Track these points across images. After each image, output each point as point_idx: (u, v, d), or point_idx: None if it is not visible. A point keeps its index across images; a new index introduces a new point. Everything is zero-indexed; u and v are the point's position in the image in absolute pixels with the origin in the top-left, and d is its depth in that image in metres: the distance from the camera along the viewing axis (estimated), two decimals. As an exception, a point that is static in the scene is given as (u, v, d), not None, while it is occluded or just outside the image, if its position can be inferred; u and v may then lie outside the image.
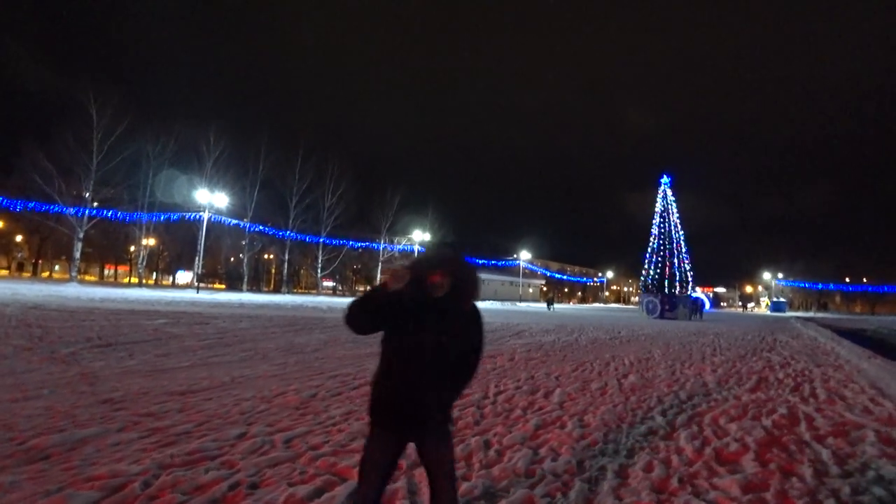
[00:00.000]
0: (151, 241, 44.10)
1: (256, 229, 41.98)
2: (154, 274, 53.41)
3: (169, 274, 54.79)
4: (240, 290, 42.24)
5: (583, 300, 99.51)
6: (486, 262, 56.89)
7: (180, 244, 45.88)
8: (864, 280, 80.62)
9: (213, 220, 36.76)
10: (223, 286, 51.41)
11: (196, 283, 36.70)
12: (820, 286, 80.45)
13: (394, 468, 2.12)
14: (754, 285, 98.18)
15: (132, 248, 47.01)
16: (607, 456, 3.70)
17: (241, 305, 19.82)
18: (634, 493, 3.05)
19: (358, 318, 2.03)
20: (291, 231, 43.81)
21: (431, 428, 2.07)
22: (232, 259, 52.83)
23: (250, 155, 41.68)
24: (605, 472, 3.37)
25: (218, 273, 56.34)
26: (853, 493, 3.27)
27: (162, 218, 38.22)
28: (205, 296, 26.84)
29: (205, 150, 38.73)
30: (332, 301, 32.46)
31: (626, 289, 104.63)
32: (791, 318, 46.53)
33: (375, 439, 2.06)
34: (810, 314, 65.38)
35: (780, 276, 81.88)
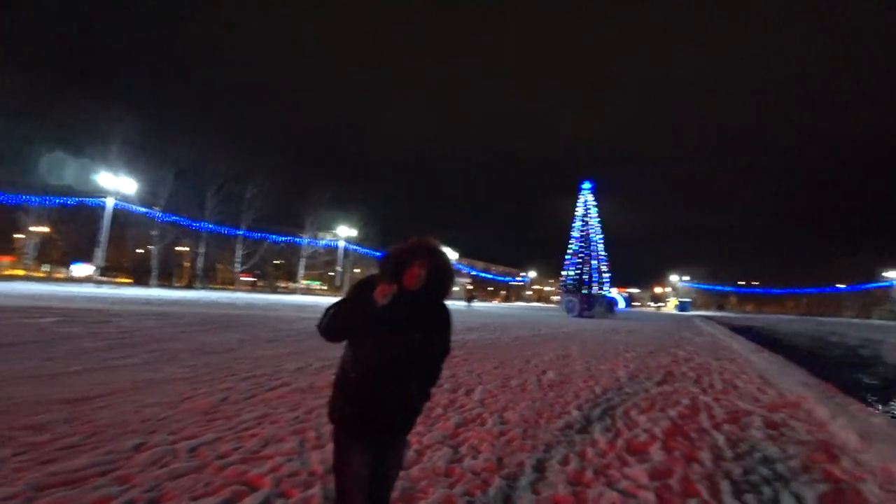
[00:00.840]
0: (44, 229, 39.57)
1: (169, 219, 38.83)
2: (45, 266, 47.98)
3: (64, 266, 49.49)
4: (148, 285, 39.03)
5: (506, 299, 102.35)
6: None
7: (78, 233, 41.36)
8: (756, 283, 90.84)
9: (117, 207, 33.55)
10: (129, 280, 47.29)
11: (97, 277, 33.36)
12: (719, 288, 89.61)
13: (374, 476, 1.94)
14: (663, 286, 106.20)
15: (17, 237, 41.89)
16: (526, 451, 3.79)
17: (149, 302, 18.31)
18: (551, 486, 3.14)
19: (338, 331, 1.90)
20: (208, 222, 41.10)
21: (404, 433, 2.01)
22: (140, 251, 48.76)
23: (165, 138, 38.79)
24: (524, 467, 3.43)
25: (123, 266, 51.73)
26: (744, 473, 3.62)
27: (56, 202, 34.31)
28: (107, 291, 24.52)
29: (109, 131, 35.33)
30: (251, 297, 30.92)
31: (546, 288, 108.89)
32: (694, 316, 50.88)
33: (354, 452, 1.89)
34: (711, 313, 71.75)
35: (686, 278, 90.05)
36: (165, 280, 46.42)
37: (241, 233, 43.59)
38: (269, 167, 44.79)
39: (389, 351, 1.86)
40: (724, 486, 3.31)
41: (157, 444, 3.37)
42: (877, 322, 47.69)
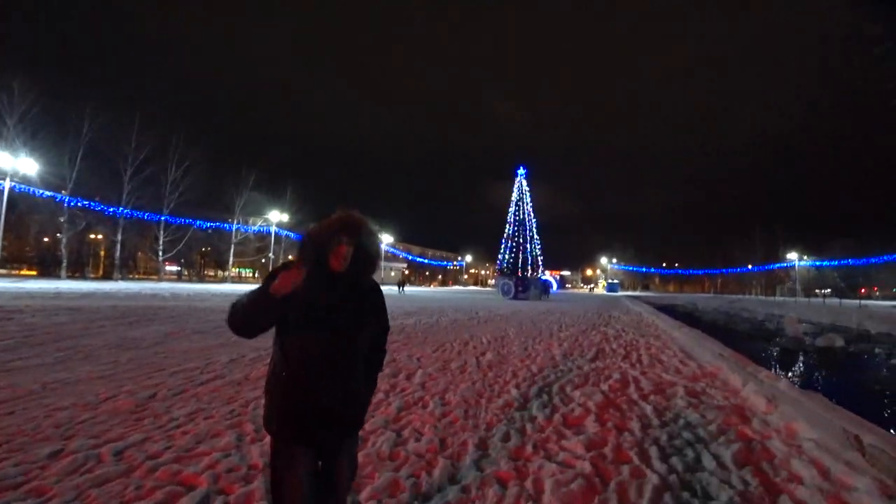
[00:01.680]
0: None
1: (79, 204, 35.28)
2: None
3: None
4: (57, 276, 35.57)
5: (443, 283, 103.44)
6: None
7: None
8: (677, 265, 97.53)
9: (17, 190, 30.15)
10: (34, 273, 42.99)
11: (-6, 270, 30.06)
12: (644, 269, 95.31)
13: (317, 488, 1.76)
14: (594, 269, 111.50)
15: None
16: (468, 431, 3.86)
17: (58, 295, 16.73)
18: (494, 462, 3.23)
19: (247, 325, 1.69)
20: (125, 208, 37.81)
21: (353, 430, 1.84)
22: (46, 239, 44.34)
23: (72, 115, 34.95)
24: (467, 447, 3.50)
25: (26, 257, 46.88)
26: (669, 438, 3.90)
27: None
28: (7, 284, 22.15)
29: (5, 104, 31.46)
30: (176, 287, 29.14)
31: (483, 272, 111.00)
32: (622, 297, 53.91)
33: (292, 459, 1.69)
34: (637, 293, 76.28)
35: (615, 261, 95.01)
36: (77, 271, 42.69)
37: (163, 218, 40.53)
38: (192, 147, 41.42)
39: (321, 342, 1.69)
40: (653, 451, 3.55)
41: (76, 450, 3.11)
42: (780, 299, 52.82)
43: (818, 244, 66.95)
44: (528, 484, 2.93)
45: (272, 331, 1.78)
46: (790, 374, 11.36)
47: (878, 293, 64.97)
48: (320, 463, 1.79)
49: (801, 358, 13.71)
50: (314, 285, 1.67)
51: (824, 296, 58.72)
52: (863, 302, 42.10)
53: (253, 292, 1.67)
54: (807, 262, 62.86)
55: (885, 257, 50.31)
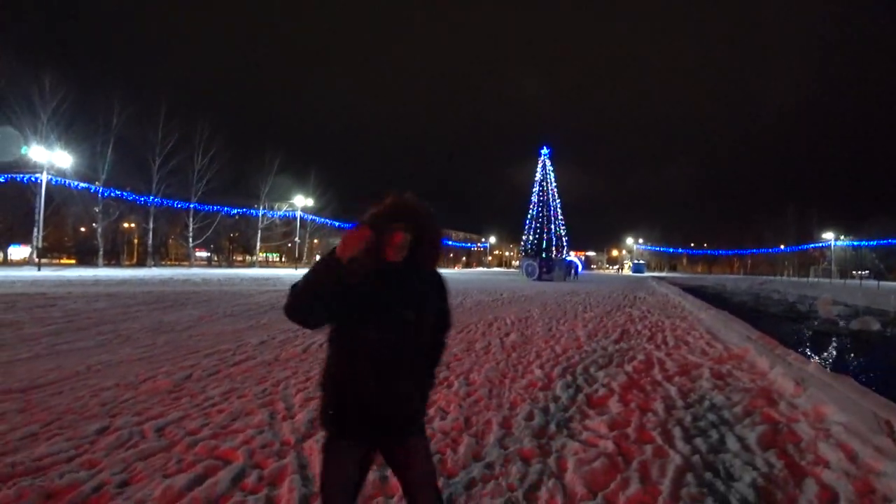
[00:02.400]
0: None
1: (112, 194, 36.44)
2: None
3: (-1, 249, 46.17)
4: (94, 265, 36.91)
5: (467, 265, 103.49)
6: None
7: (11, 213, 38.29)
8: (705, 245, 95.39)
9: (53, 183, 31.29)
10: (73, 261, 44.74)
11: (36, 259, 31.34)
12: (671, 250, 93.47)
13: (363, 483, 1.73)
14: (619, 249, 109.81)
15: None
16: (491, 410, 3.94)
17: (97, 283, 17.46)
18: (517, 441, 3.30)
19: (306, 307, 1.54)
20: (155, 196, 38.89)
21: (412, 428, 1.69)
22: (83, 230, 46.01)
23: (101, 108, 35.90)
24: (491, 425, 3.58)
25: (65, 246, 48.80)
26: (693, 420, 3.90)
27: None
28: (49, 273, 23.16)
29: (38, 100, 32.49)
30: (207, 273, 29.95)
31: (507, 253, 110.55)
32: (648, 277, 53.14)
33: (340, 453, 1.64)
34: (663, 274, 74.99)
35: (641, 241, 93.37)
36: (113, 259, 44.24)
37: (191, 205, 41.59)
38: (217, 136, 42.13)
39: (375, 337, 1.58)
40: (676, 432, 3.56)
41: (121, 427, 3.30)
42: (813, 280, 51.24)
43: (856, 223, 64.51)
44: (551, 461, 2.99)
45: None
46: (821, 357, 11.10)
47: (919, 274, 62.34)
48: (389, 461, 1.73)
49: (834, 341, 13.35)
50: (372, 275, 1.59)
51: (861, 277, 56.64)
52: (902, 283, 40.52)
53: (316, 263, 1.55)
54: (843, 242, 60.66)
55: (927, 236, 48.14)
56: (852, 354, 11.56)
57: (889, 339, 13.44)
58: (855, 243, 60.41)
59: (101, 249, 37.79)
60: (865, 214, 67.24)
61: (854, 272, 62.06)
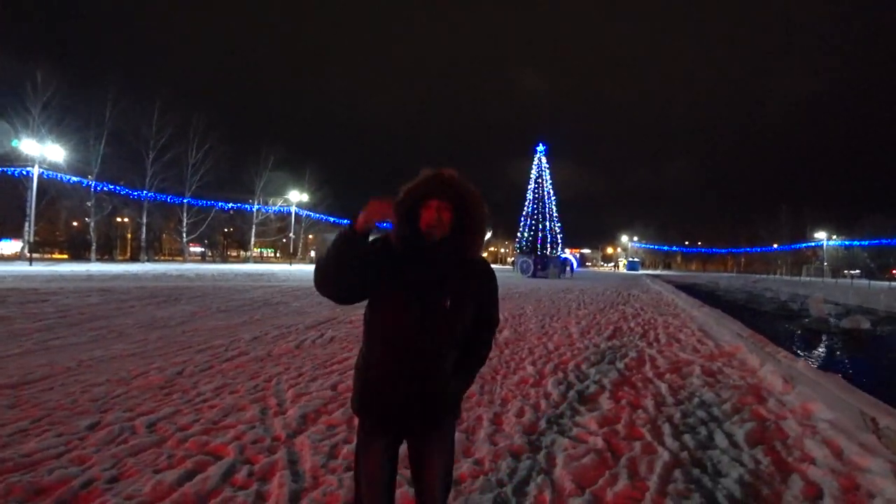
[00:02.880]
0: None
1: (105, 188, 36.15)
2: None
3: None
4: (87, 259, 36.67)
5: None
6: (370, 226, 55.63)
7: (2, 207, 37.92)
8: (699, 244, 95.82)
9: (45, 176, 31.02)
10: (65, 256, 44.41)
11: (28, 254, 31.07)
12: (666, 248, 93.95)
13: (395, 474, 1.63)
14: (614, 247, 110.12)
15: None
16: (483, 406, 3.96)
17: (90, 278, 17.36)
18: (508, 437, 3.32)
19: (332, 280, 1.44)
20: (149, 190, 38.64)
21: (438, 424, 1.58)
22: (76, 224, 45.68)
23: (94, 101, 35.57)
24: (482, 421, 3.60)
25: (57, 241, 48.45)
26: (683, 416, 3.94)
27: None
28: (40, 268, 23.00)
29: (29, 93, 32.14)
30: (201, 268, 29.86)
31: (503, 250, 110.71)
32: (643, 275, 53.40)
33: (372, 443, 1.56)
34: (658, 272, 75.38)
35: (636, 239, 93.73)
36: (106, 254, 43.90)
37: (186, 200, 41.37)
38: (212, 130, 41.89)
39: (409, 320, 1.45)
40: (666, 428, 3.60)
41: (112, 423, 3.30)
42: (805, 279, 51.62)
43: (848, 223, 65.05)
44: (541, 457, 3.01)
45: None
46: (811, 355, 11.20)
47: (910, 274, 62.93)
48: (409, 452, 1.63)
49: (824, 339, 13.48)
50: (412, 257, 1.49)
51: (852, 276, 57.11)
52: (893, 283, 40.87)
53: (336, 236, 1.42)
54: (835, 241, 61.10)
55: (918, 236, 48.57)
56: (842, 353, 11.68)
57: (878, 337, 13.59)
58: (847, 243, 60.90)
59: (94, 244, 37.47)
60: (857, 214, 67.75)
61: (846, 271, 62.55)
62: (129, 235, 50.43)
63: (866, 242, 57.20)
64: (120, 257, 46.28)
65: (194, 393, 4.06)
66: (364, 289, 1.49)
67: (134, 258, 44.07)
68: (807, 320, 16.28)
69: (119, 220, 46.76)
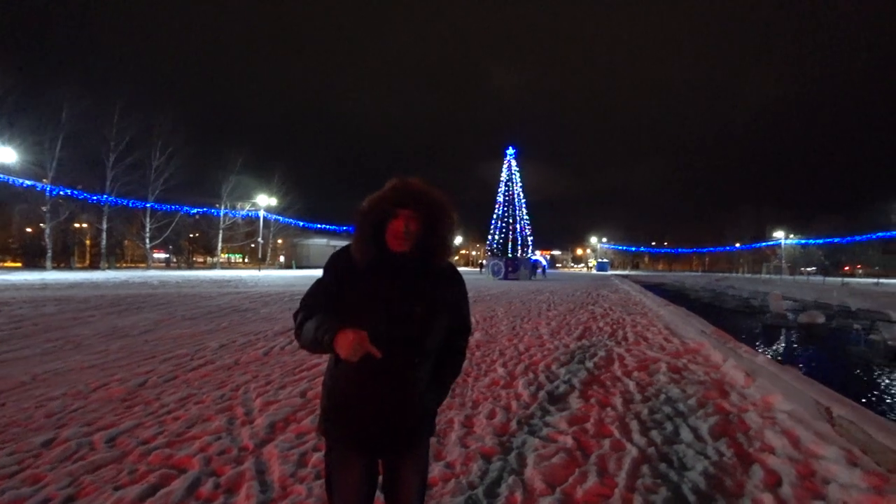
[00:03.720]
0: None
1: (62, 192, 34.53)
2: None
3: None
4: (42, 268, 35.11)
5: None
6: (337, 228, 55.08)
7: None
8: (666, 244, 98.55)
9: (-3, 181, 29.47)
10: (18, 264, 42.39)
11: (-23, 261, 29.47)
12: (634, 249, 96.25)
13: (375, 490, 1.57)
14: (584, 248, 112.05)
15: None
16: (454, 409, 3.96)
17: (45, 286, 16.60)
18: (479, 439, 3.33)
19: (313, 337, 1.39)
20: (110, 195, 37.12)
21: (415, 442, 1.54)
22: (30, 230, 43.63)
23: (51, 101, 33.99)
24: (453, 424, 3.60)
25: (10, 248, 46.20)
26: (650, 413, 4.04)
27: None
28: (-8, 276, 21.92)
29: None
30: (165, 275, 28.93)
31: (474, 252, 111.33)
32: (612, 275, 54.52)
33: (345, 465, 1.49)
34: (626, 272, 77.06)
35: (605, 240, 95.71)
36: (63, 262, 42.10)
37: (149, 205, 39.93)
38: (177, 132, 40.61)
39: (378, 337, 1.37)
40: (634, 425, 3.68)
41: (69, 439, 3.16)
42: (765, 276, 53.71)
43: (803, 223, 68.12)
44: (512, 458, 3.03)
45: None
46: (771, 349, 11.65)
47: (861, 271, 66.22)
48: (381, 472, 1.58)
49: (783, 334, 14.05)
50: (376, 269, 1.45)
51: (809, 273, 59.72)
52: (845, 279, 42.94)
53: (317, 334, 1.36)
54: (793, 240, 63.74)
55: (867, 236, 51.10)
56: (799, 346, 12.19)
57: (832, 330, 14.23)
58: (803, 241, 63.56)
59: (50, 251, 35.85)
60: (812, 215, 71.17)
61: (802, 268, 65.38)
62: (87, 242, 48.46)
63: (821, 241, 59.82)
64: (78, 265, 44.44)
65: (158, 404, 3.93)
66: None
67: (93, 265, 42.39)
68: (767, 316, 16.93)
69: (77, 225, 44.91)
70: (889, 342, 9.97)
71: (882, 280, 42.59)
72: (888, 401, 6.97)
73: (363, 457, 1.50)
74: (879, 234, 49.22)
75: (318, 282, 1.53)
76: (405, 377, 1.46)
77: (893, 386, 7.86)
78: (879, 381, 8.19)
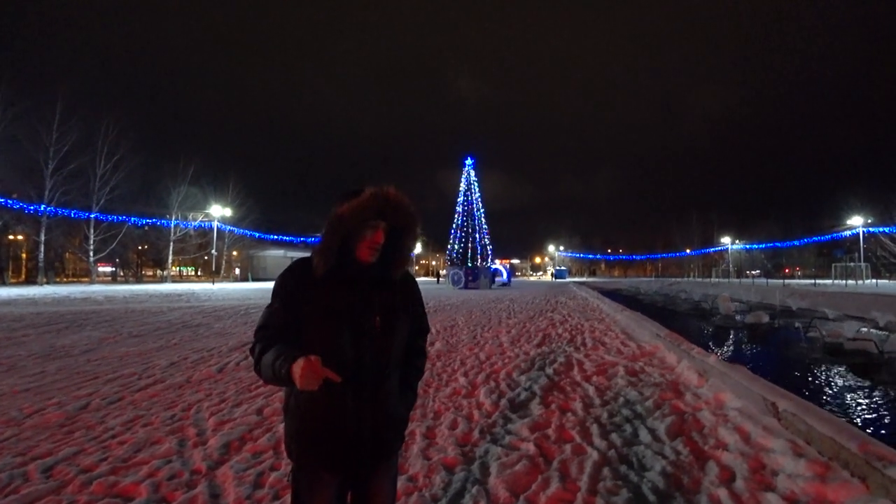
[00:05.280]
0: None
1: (-8, 202, 32.12)
2: None
3: None
4: (-28, 284, 32.69)
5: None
6: (294, 239, 53.85)
7: None
8: (621, 251, 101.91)
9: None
10: (-55, 280, 39.27)
11: None
12: (590, 256, 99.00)
13: None
14: (542, 256, 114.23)
15: None
16: (415, 421, 3.91)
17: (-25, 304, 15.43)
18: (441, 450, 3.30)
19: (271, 366, 1.32)
20: (48, 205, 34.82)
21: (389, 453, 1.50)
22: (-43, 244, 40.52)
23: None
24: (415, 436, 3.55)
25: (-65, 263, 42.73)
26: (609, 416, 4.11)
27: None
28: (-87, 294, 20.15)
29: None
30: (111, 289, 27.44)
31: (434, 262, 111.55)
32: (570, 283, 55.75)
33: (316, 485, 1.42)
34: (584, 279, 79.01)
35: (562, 248, 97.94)
36: (-4, 276, 39.27)
37: (92, 215, 37.71)
38: (124, 138, 38.58)
39: (343, 348, 1.37)
40: (594, 429, 3.74)
41: (-1, 469, 2.91)
42: (715, 280, 56.20)
43: (748, 228, 71.93)
44: (475, 468, 3.01)
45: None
46: (721, 349, 12.17)
47: (799, 272, 70.40)
48: (350, 490, 1.52)
49: (731, 334, 14.71)
50: (335, 280, 1.41)
51: (753, 276, 62.96)
52: (786, 281, 45.51)
53: (274, 368, 1.31)
54: (738, 245, 67.08)
55: (804, 240, 54.47)
56: (746, 345, 12.79)
57: (775, 329, 15.01)
58: (748, 246, 67.02)
59: (-19, 266, 33.32)
60: (755, 220, 75.36)
61: (748, 271, 68.90)
62: (23, 255, 45.42)
63: (763, 245, 63.30)
64: (12, 279, 41.55)
65: (101, 429, 3.69)
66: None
67: (30, 280, 39.68)
68: (716, 318, 17.71)
69: (12, 237, 42.03)
70: (826, 339, 10.60)
71: (818, 280, 45.45)
72: (827, 393, 7.39)
73: (337, 475, 1.44)
74: (815, 238, 52.56)
75: (268, 309, 1.46)
76: (378, 389, 1.43)
77: (831, 379, 8.35)
78: (819, 375, 8.68)
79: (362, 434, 1.40)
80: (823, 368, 9.15)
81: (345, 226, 1.40)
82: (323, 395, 1.35)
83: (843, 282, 38.63)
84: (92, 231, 38.15)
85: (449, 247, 38.93)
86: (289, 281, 1.44)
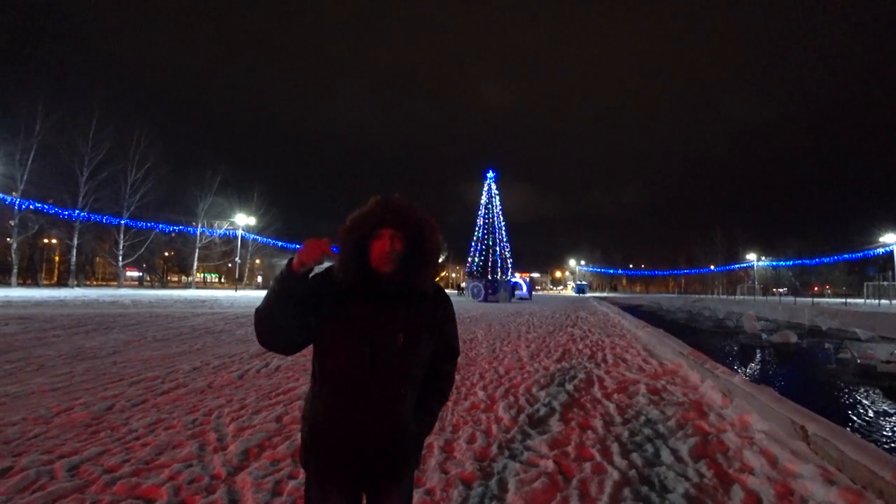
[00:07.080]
0: None
1: (31, 206, 33.33)
2: None
3: None
4: (7, 284, 33.84)
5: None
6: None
7: None
8: (643, 266, 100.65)
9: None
10: (-19, 281, 40.80)
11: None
12: (612, 271, 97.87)
13: None
14: (563, 270, 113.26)
15: None
16: (433, 434, 3.89)
17: (8, 304, 15.94)
18: (459, 464, 3.26)
19: (272, 321, 1.32)
20: (82, 210, 36.07)
21: (399, 475, 1.44)
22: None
23: (23, 111, 33.11)
24: (433, 449, 3.53)
25: (-27, 264, 44.45)
26: (630, 435, 4.02)
27: None
28: (-49, 294, 20.99)
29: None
30: (137, 294, 28.12)
31: (454, 274, 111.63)
32: (590, 297, 55.11)
33: (324, 499, 1.40)
34: (604, 294, 78.01)
35: (583, 262, 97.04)
36: (29, 278, 40.67)
37: (122, 221, 38.89)
38: (154, 147, 39.90)
39: (360, 361, 1.33)
40: (614, 448, 3.66)
41: (27, 467, 2.98)
42: (739, 297, 54.98)
43: (774, 245, 70.25)
44: (493, 483, 2.98)
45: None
46: (746, 368, 11.84)
47: (829, 291, 68.30)
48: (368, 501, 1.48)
49: (757, 353, 14.31)
50: (357, 291, 1.38)
51: (780, 294, 61.33)
52: (815, 299, 44.23)
53: (273, 280, 1.33)
54: (764, 262, 65.52)
55: (835, 257, 52.90)
56: (773, 365, 12.41)
57: (804, 349, 14.56)
58: (774, 263, 65.39)
59: (16, 267, 34.58)
60: (782, 237, 73.59)
61: (774, 289, 67.12)
62: (56, 258, 46.97)
63: (790, 262, 61.65)
64: (45, 282, 42.96)
65: (125, 430, 3.76)
66: (308, 334, 1.37)
67: (62, 283, 40.97)
68: (741, 336, 17.25)
69: (46, 241, 43.52)
70: (858, 360, 10.23)
71: (849, 300, 44.03)
72: (860, 418, 7.11)
73: (344, 491, 1.40)
74: (846, 255, 50.96)
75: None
76: (389, 408, 1.37)
77: (863, 403, 8.03)
78: (850, 398, 8.37)
79: (366, 451, 1.35)
80: (855, 391, 8.82)
81: (352, 235, 1.39)
82: (333, 408, 1.35)
83: (876, 301, 37.35)
84: (122, 236, 39.38)
85: (469, 259, 38.96)
86: (319, 280, 1.41)
